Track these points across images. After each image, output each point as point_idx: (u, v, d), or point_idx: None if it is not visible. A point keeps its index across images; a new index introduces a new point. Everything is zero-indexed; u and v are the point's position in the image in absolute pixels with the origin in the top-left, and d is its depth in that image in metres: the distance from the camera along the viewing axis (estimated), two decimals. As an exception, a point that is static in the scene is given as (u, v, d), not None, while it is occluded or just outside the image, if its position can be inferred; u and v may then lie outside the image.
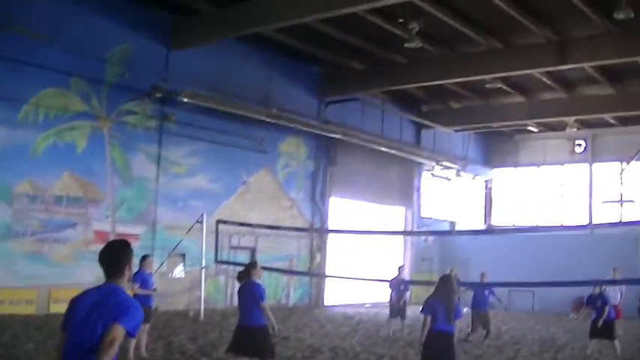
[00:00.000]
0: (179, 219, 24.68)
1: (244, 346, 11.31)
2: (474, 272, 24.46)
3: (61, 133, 22.13)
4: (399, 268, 22.65)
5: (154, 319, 17.37)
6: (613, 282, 21.32)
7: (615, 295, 20.52)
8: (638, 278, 29.37)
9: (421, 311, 10.58)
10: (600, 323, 17.52)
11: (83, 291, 5.40)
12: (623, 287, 20.85)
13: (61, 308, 20.61)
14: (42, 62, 21.26)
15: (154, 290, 14.99)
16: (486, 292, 20.12)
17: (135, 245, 19.96)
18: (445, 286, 10.58)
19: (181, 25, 24.79)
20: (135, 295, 14.26)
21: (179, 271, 24.89)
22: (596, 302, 17.79)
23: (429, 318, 10.40)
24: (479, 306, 20.28)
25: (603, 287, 18.23)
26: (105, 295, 5.19)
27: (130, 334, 5.12)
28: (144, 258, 15.22)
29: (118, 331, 4.98)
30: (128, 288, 5.07)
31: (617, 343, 17.82)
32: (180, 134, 25.45)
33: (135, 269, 15.25)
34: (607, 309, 17.61)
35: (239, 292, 11.65)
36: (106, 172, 23.38)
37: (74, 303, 5.30)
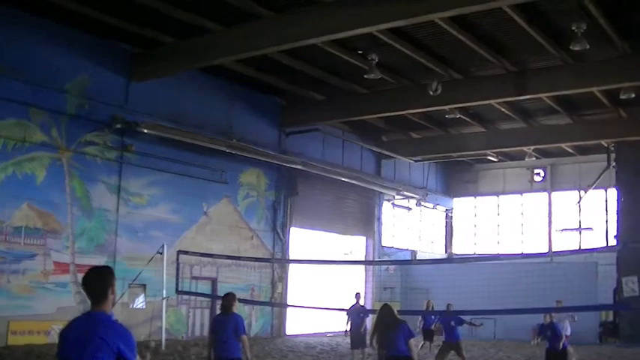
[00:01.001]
0: (140, 249, 24.51)
1: None
2: (436, 301, 24.69)
3: (20, 164, 21.94)
4: (356, 295, 22.58)
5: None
6: (567, 309, 21.57)
7: (564, 325, 20.53)
8: (599, 304, 29.78)
9: (370, 343, 10.95)
10: (553, 352, 17.56)
11: (71, 320, 5.42)
12: (575, 317, 20.90)
13: (19, 340, 20.44)
14: (0, 93, 21.14)
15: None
16: (452, 323, 19.83)
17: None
18: (380, 316, 10.87)
19: (141, 56, 24.80)
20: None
21: (140, 302, 24.69)
22: (547, 332, 17.79)
23: (382, 350, 10.72)
24: (450, 338, 20.09)
25: (553, 316, 18.19)
26: (96, 325, 5.19)
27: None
28: None
29: None
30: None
31: None
32: (141, 165, 25.34)
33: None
34: (562, 337, 17.70)
35: (218, 323, 11.63)
36: (66, 203, 23.16)
37: (63, 335, 5.32)
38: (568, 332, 20.76)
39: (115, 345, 5.10)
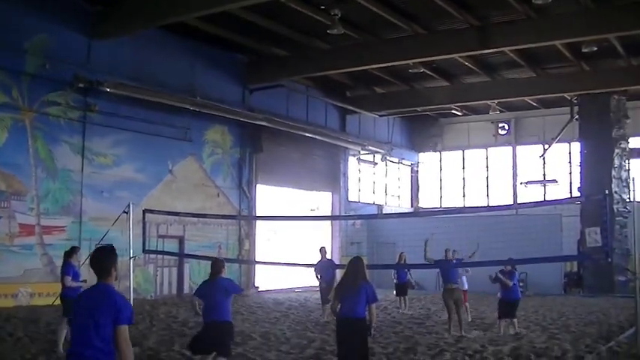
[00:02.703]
0: (105, 210, 24.35)
1: (213, 339, 11.37)
2: (403, 254, 24.72)
3: (-18, 126, 21.77)
4: (321, 249, 22.44)
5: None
6: (532, 260, 21.75)
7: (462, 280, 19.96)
8: (563, 255, 30.16)
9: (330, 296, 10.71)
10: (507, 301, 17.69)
11: (83, 290, 6.85)
12: (469, 271, 20.59)
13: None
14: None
15: (85, 282, 14.86)
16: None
17: (61, 237, 19.84)
18: (349, 267, 10.62)
19: (102, 14, 24.52)
20: (67, 288, 14.16)
21: (106, 263, 24.62)
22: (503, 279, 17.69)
23: (337, 303, 10.50)
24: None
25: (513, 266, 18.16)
26: (102, 294, 6.26)
27: (130, 323, 6.19)
28: (74, 250, 15.00)
29: (124, 330, 6.14)
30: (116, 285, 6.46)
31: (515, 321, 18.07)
32: (105, 124, 25.17)
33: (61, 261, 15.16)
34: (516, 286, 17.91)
35: (207, 287, 11.72)
36: (30, 164, 22.98)
37: (76, 302, 6.60)
38: (465, 287, 20.35)
39: (114, 311, 6.12)
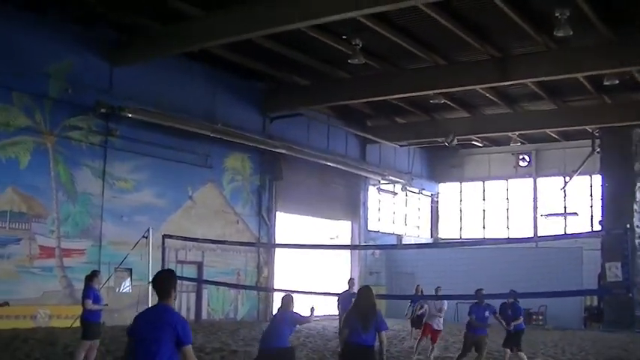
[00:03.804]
0: (125, 234, 24.51)
1: None
2: (421, 285, 24.59)
3: (4, 148, 21.96)
4: (349, 281, 22.50)
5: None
6: (552, 294, 21.56)
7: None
8: (583, 289, 29.95)
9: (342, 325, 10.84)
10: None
11: (144, 310, 7.11)
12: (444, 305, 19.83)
13: (5, 325, 20.43)
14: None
15: (106, 305, 14.89)
16: (486, 313, 16.82)
17: (80, 260, 19.93)
18: (358, 298, 10.69)
19: (125, 41, 24.80)
20: (87, 311, 14.18)
21: (126, 286, 24.69)
22: (507, 311, 17.55)
23: (345, 331, 10.54)
24: (480, 331, 17.08)
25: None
26: (161, 314, 6.66)
27: (190, 342, 6.64)
28: (94, 274, 14.97)
29: (189, 350, 6.63)
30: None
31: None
32: (125, 149, 25.38)
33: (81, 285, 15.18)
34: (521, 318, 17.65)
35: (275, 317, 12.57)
36: (51, 188, 23.19)
37: (137, 319, 6.86)
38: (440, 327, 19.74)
39: (175, 329, 6.51)
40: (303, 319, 12.41)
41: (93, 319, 14.07)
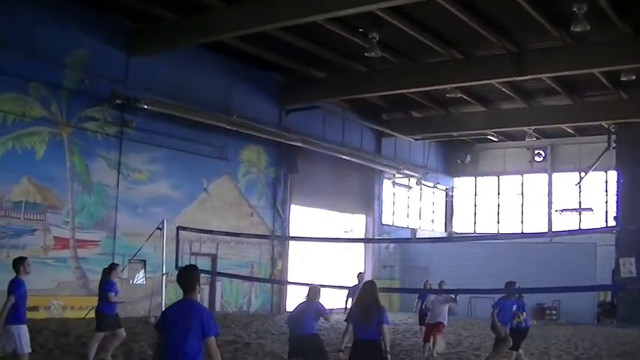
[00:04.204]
0: (139, 225, 24.56)
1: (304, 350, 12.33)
2: (436, 279, 24.49)
3: (20, 139, 21.97)
4: (359, 275, 22.50)
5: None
6: (566, 289, 21.47)
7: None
8: (596, 285, 29.88)
9: (345, 320, 10.92)
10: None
11: (171, 304, 7.33)
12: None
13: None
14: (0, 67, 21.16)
15: (127, 299, 14.89)
16: (514, 308, 16.67)
17: (94, 251, 19.95)
18: (361, 293, 10.70)
19: (142, 31, 24.80)
20: (104, 304, 14.19)
21: (140, 278, 24.71)
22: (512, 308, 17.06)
23: (350, 326, 10.61)
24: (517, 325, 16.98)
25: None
26: (189, 307, 6.95)
27: (217, 334, 6.91)
28: (113, 267, 14.90)
29: (212, 341, 6.85)
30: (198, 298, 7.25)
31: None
32: (141, 141, 25.39)
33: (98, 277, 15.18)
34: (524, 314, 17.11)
35: (300, 306, 12.83)
36: (66, 178, 23.21)
37: (166, 312, 7.29)
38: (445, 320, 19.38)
39: (201, 321, 6.79)
40: (326, 313, 12.64)
41: (108, 311, 14.10)
